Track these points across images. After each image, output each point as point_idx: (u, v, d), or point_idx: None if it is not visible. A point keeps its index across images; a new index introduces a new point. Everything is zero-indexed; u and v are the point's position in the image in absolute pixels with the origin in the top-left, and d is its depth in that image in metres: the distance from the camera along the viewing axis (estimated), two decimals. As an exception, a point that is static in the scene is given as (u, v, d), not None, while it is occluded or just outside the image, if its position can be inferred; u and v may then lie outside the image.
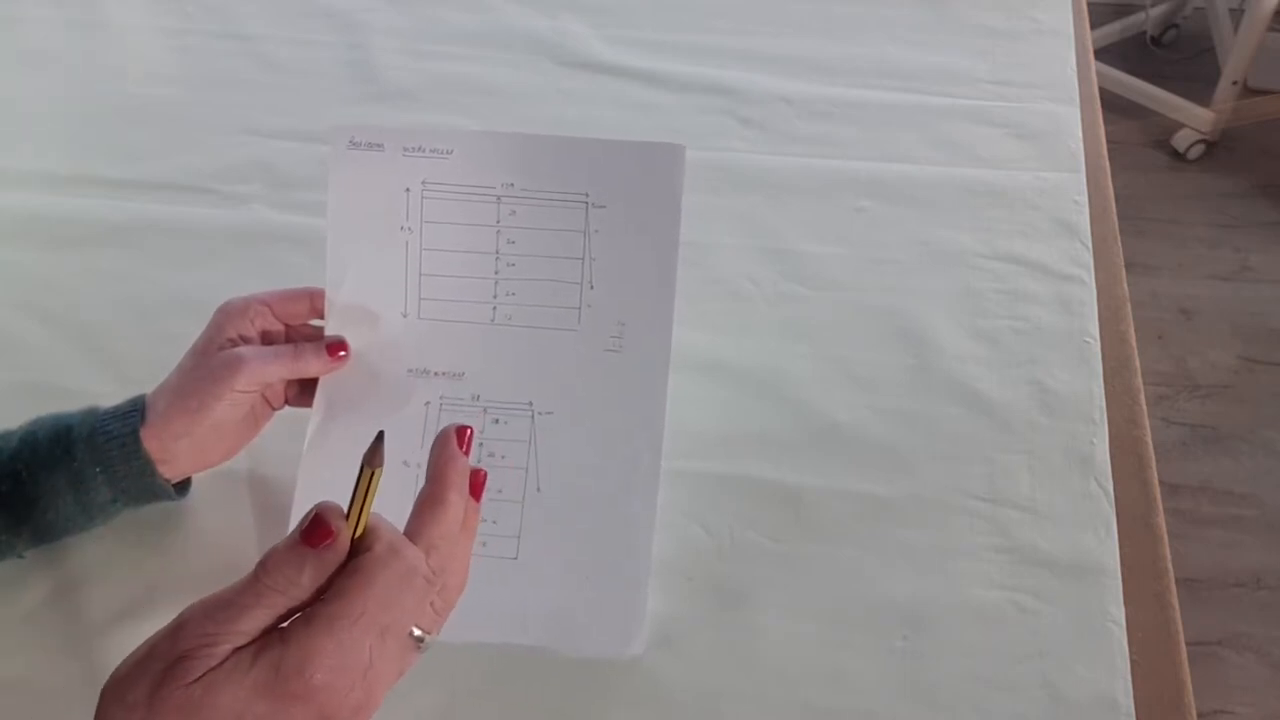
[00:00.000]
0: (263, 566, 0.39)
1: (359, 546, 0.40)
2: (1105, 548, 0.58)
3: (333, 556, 0.39)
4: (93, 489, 0.53)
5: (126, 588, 0.57)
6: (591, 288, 0.58)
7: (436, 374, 0.58)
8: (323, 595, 0.39)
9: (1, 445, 0.53)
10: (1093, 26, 1.00)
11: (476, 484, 0.46)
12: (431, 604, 0.42)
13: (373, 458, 0.41)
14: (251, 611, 0.38)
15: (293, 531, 0.39)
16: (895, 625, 0.55)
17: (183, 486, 0.58)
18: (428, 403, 0.58)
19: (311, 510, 0.40)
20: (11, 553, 0.55)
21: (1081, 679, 0.53)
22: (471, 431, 0.46)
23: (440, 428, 0.57)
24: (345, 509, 0.41)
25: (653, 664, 0.54)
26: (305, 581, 0.39)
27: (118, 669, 0.38)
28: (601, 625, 0.55)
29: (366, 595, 0.39)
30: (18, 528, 0.53)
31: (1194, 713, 0.53)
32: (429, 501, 0.43)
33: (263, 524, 0.59)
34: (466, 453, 0.45)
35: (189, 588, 0.57)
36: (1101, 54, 1.67)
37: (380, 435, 0.42)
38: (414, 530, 0.42)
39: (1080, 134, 0.85)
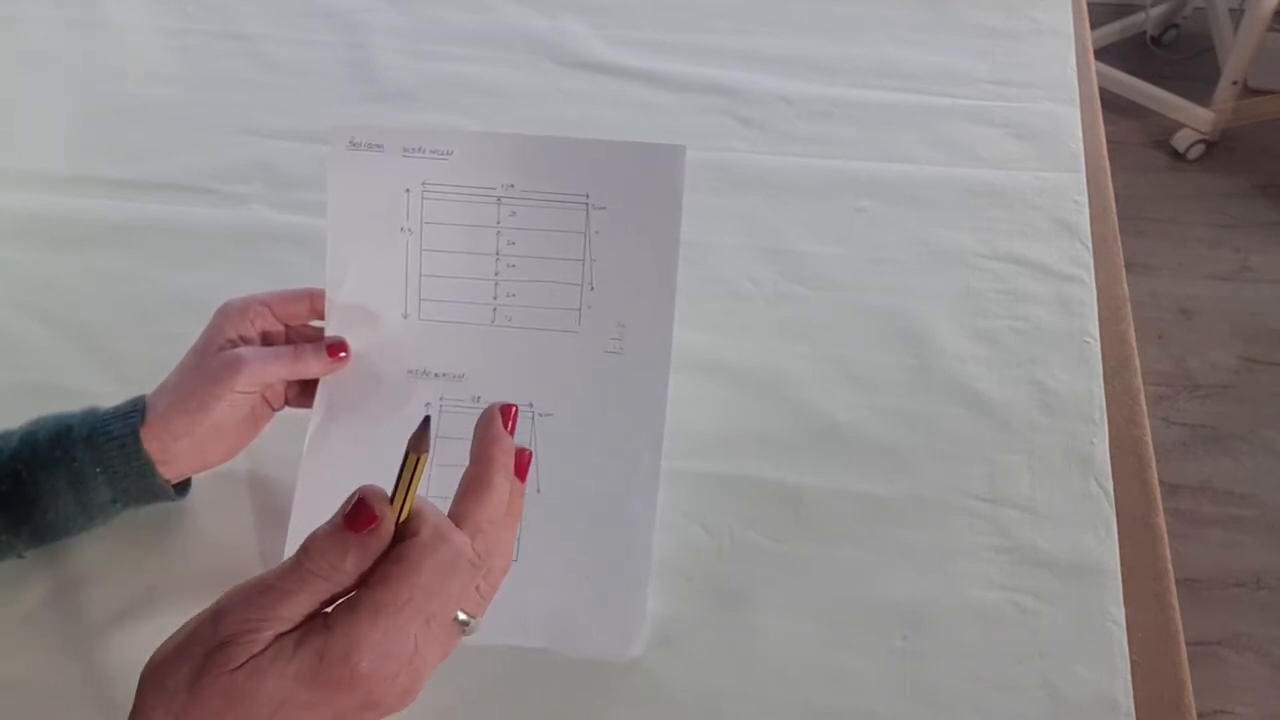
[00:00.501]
0: (305, 551, 0.38)
1: (403, 531, 0.40)
2: (1105, 548, 0.58)
3: (376, 542, 0.39)
4: (93, 489, 0.53)
5: (126, 588, 0.57)
6: (592, 289, 0.58)
7: (436, 375, 0.58)
8: (367, 581, 0.39)
9: (2, 445, 0.53)
10: (1093, 26, 1.00)
11: (522, 464, 0.45)
12: (477, 587, 0.42)
13: (419, 443, 0.41)
14: (294, 597, 0.37)
15: (335, 515, 0.39)
16: (895, 625, 0.55)
17: (183, 487, 0.58)
18: (428, 404, 0.58)
19: (354, 494, 0.39)
20: (11, 553, 0.55)
21: (1081, 679, 0.53)
22: (516, 410, 0.45)
23: (441, 428, 0.57)
24: (389, 493, 0.40)
25: (653, 664, 0.54)
26: (349, 567, 0.38)
27: (156, 654, 0.38)
28: (602, 626, 0.55)
29: (413, 583, 0.38)
30: (18, 528, 0.53)
31: (1194, 713, 0.53)
32: (475, 484, 0.42)
33: (263, 525, 0.59)
34: (511, 432, 0.44)
35: (189, 588, 0.57)
36: (1101, 54, 1.66)
37: (426, 420, 0.42)
38: (459, 513, 0.42)
39: (1080, 134, 0.85)
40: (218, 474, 0.58)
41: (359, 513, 0.38)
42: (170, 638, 0.38)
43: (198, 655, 0.36)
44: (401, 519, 0.40)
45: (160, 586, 0.57)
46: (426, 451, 0.41)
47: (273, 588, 0.37)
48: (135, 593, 0.56)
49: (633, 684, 0.53)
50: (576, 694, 0.53)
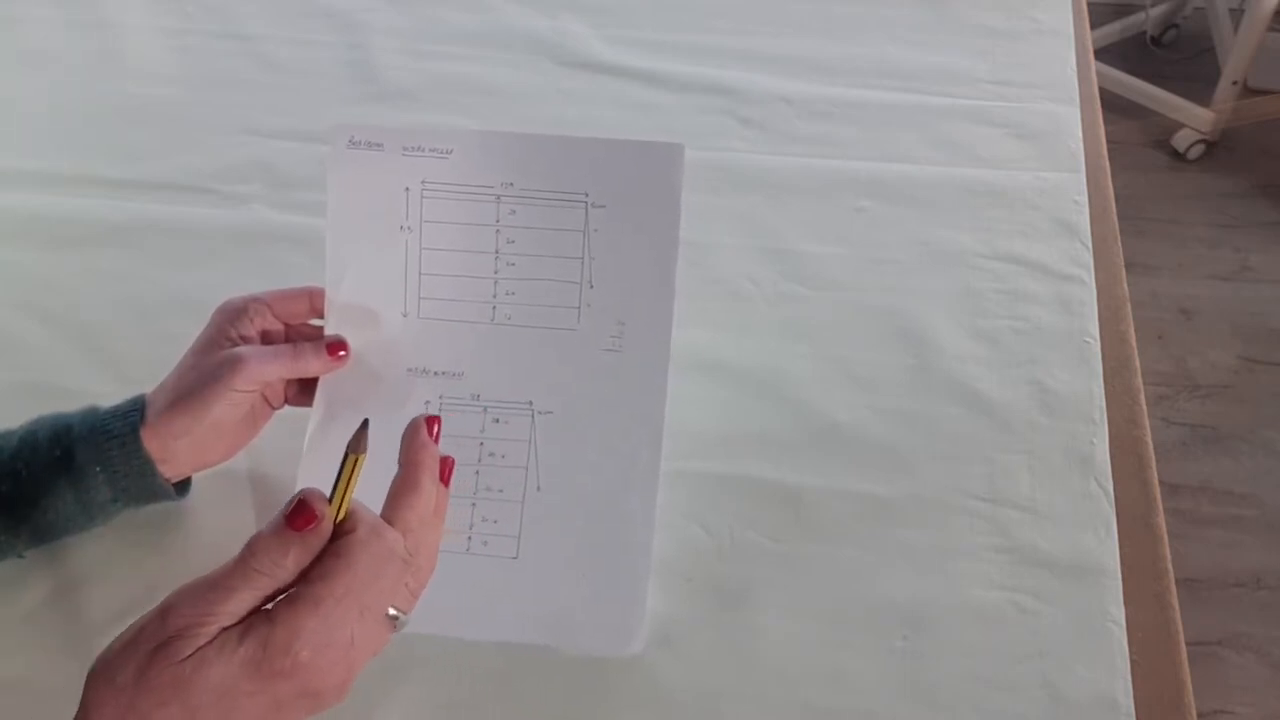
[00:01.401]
0: (249, 549, 0.40)
1: (340, 529, 0.42)
2: (1105, 548, 0.58)
3: (316, 539, 0.41)
4: (93, 488, 0.53)
5: (126, 588, 0.57)
6: (591, 287, 0.58)
7: (436, 373, 0.58)
8: (307, 576, 0.41)
9: (2, 445, 0.53)
10: (1093, 26, 1.00)
11: (446, 470, 0.48)
12: (406, 584, 0.44)
13: (357, 444, 0.44)
14: (238, 593, 0.39)
15: (277, 515, 0.41)
16: (895, 625, 0.55)
17: (183, 486, 0.58)
18: (427, 402, 0.58)
19: (296, 495, 0.41)
20: (12, 553, 0.55)
21: (1081, 679, 0.53)
22: (440, 422, 0.48)
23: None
24: (329, 494, 0.42)
25: (653, 664, 0.54)
26: (290, 564, 0.40)
27: (104, 652, 0.39)
28: (601, 623, 0.55)
29: (349, 576, 0.40)
30: (18, 527, 0.53)
31: (1194, 713, 0.53)
32: (404, 487, 0.45)
33: (262, 523, 0.59)
34: (436, 441, 0.47)
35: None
36: (1101, 54, 1.66)
37: (365, 423, 0.44)
38: (390, 514, 0.44)
39: (1080, 134, 0.84)
40: (218, 473, 0.58)
41: (300, 512, 0.41)
42: (118, 637, 0.39)
43: (145, 651, 0.38)
44: (339, 518, 0.42)
45: (160, 586, 0.56)
46: (364, 452, 0.43)
47: (218, 584, 0.39)
48: (135, 593, 0.56)
49: (633, 684, 0.53)
50: (576, 693, 0.53)
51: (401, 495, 0.45)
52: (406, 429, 0.47)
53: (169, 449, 0.54)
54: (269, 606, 0.40)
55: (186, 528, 0.59)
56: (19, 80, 0.93)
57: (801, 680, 0.54)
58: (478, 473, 0.57)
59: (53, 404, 0.56)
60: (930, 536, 0.59)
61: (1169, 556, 0.58)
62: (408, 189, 0.58)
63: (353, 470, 0.43)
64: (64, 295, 0.73)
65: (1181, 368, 1.68)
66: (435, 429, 0.47)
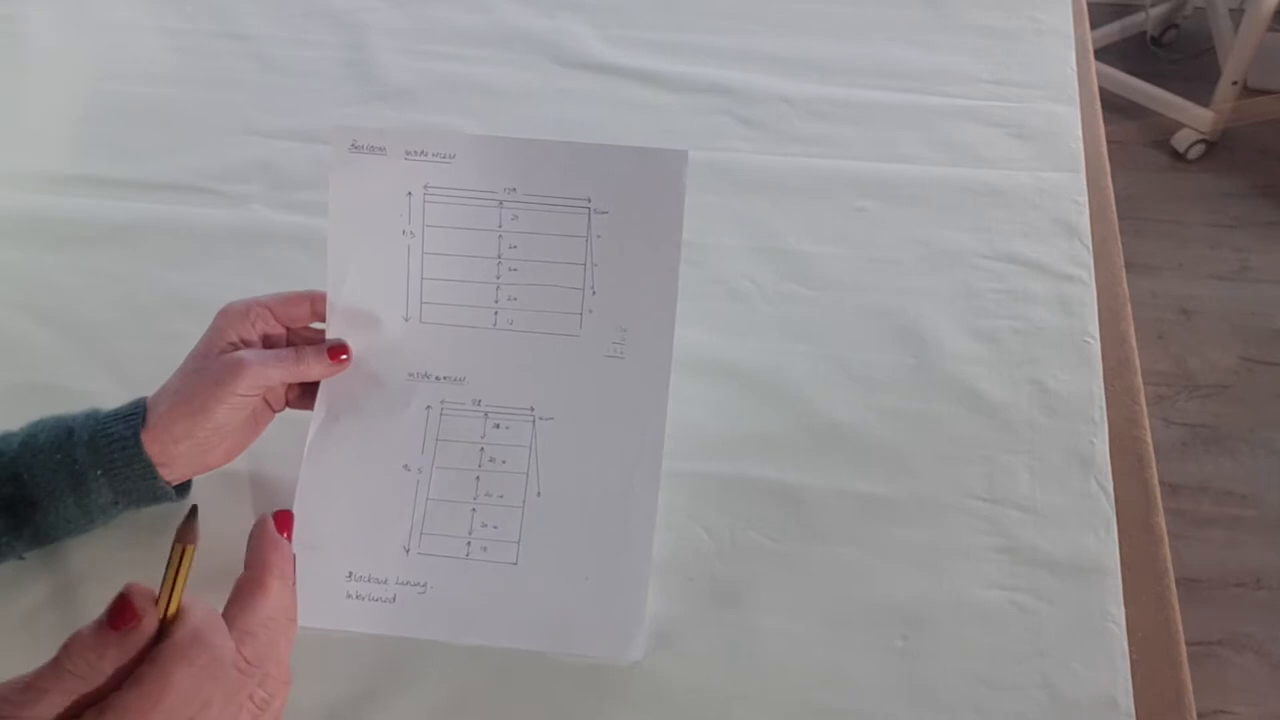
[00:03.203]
0: (65, 649, 0.37)
1: (169, 629, 0.39)
2: (1105, 548, 0.58)
3: (135, 640, 0.38)
4: (94, 491, 0.53)
5: (127, 588, 0.57)
6: (593, 293, 0.58)
7: (437, 378, 0.58)
8: (122, 683, 0.37)
9: (3, 448, 0.53)
10: (1093, 26, 1.00)
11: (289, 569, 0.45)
12: (252, 696, 0.40)
13: (186, 534, 0.41)
14: (48, 696, 0.36)
15: (101, 614, 0.38)
16: (895, 625, 0.56)
17: (183, 488, 0.58)
18: (428, 407, 0.58)
19: (121, 591, 0.38)
20: (12, 554, 0.55)
21: (1081, 679, 0.53)
22: (293, 516, 0.45)
23: (441, 431, 0.57)
24: (159, 588, 0.39)
25: (653, 664, 0.54)
26: (106, 666, 0.37)
27: None
28: (601, 630, 0.55)
29: (163, 686, 0.37)
30: (19, 530, 0.54)
31: (1194, 713, 0.53)
32: (248, 587, 0.42)
33: (263, 525, 0.59)
34: (289, 538, 0.44)
35: (189, 588, 0.57)
36: (1101, 54, 1.67)
37: (194, 510, 0.42)
38: (230, 615, 0.41)
39: (1080, 134, 0.84)
40: (218, 475, 0.58)
41: (120, 610, 0.38)
42: None
43: None
44: (170, 614, 0.39)
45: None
46: (194, 544, 0.41)
47: (30, 685, 0.36)
48: (136, 593, 0.56)
49: (633, 684, 0.54)
50: (576, 694, 0.53)
51: (244, 596, 0.42)
52: (254, 528, 0.44)
53: (170, 452, 0.54)
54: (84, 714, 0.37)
55: (187, 528, 0.59)
56: (19, 80, 0.93)
57: (801, 680, 0.54)
58: (478, 478, 0.57)
59: (53, 404, 0.56)
60: (930, 536, 0.59)
61: (1169, 556, 0.58)
62: (410, 193, 0.58)
63: (181, 561, 0.40)
64: (64, 295, 0.73)
65: (1181, 368, 1.68)
66: (288, 527, 0.44)
